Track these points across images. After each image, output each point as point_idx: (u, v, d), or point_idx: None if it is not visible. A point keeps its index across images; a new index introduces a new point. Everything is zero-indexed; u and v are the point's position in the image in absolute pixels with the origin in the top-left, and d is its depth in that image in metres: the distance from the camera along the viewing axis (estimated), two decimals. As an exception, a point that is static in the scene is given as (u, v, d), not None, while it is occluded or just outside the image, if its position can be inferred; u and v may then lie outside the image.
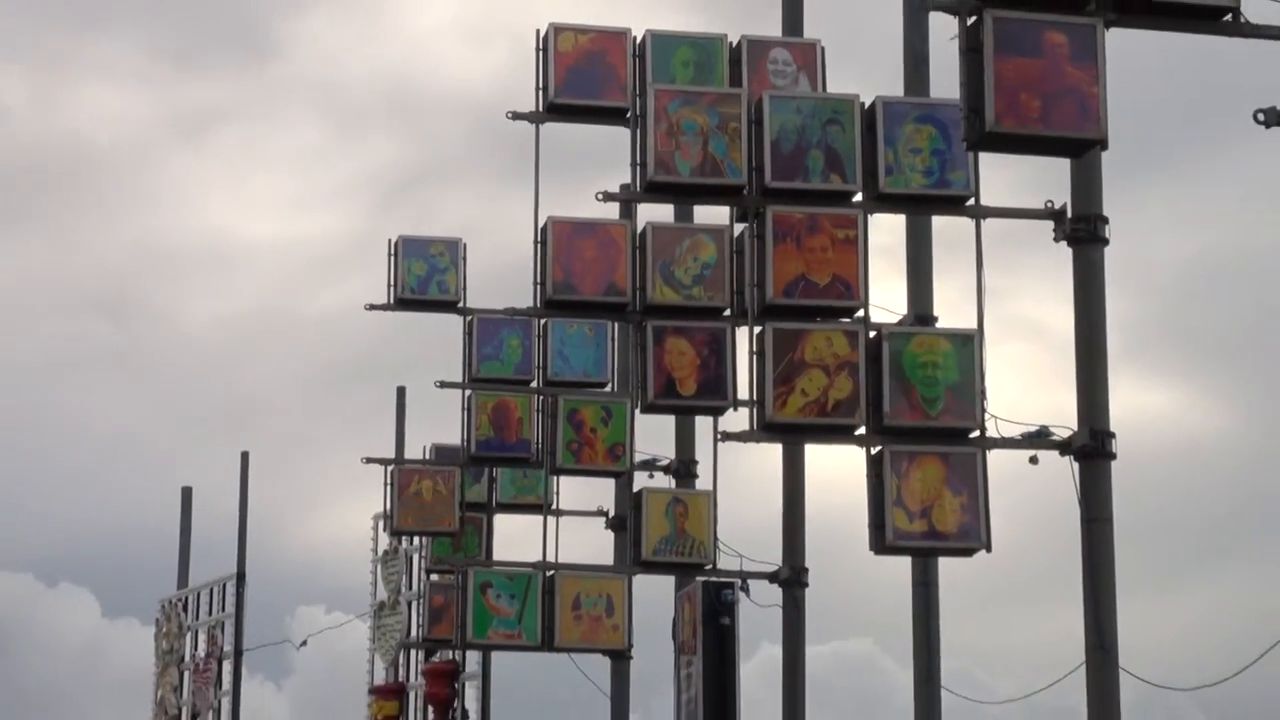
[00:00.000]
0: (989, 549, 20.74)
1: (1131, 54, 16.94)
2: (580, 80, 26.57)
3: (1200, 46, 16.79)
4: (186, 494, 51.52)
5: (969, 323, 21.34)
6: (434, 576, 37.21)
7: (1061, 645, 20.06)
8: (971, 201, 21.29)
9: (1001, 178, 21.07)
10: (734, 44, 25.88)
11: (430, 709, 39.56)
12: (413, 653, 40.50)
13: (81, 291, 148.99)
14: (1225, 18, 16.41)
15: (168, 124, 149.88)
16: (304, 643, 51.23)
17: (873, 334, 21.39)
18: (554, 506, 33.44)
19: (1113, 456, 19.61)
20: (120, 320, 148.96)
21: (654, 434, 30.27)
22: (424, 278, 31.70)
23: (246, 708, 48.07)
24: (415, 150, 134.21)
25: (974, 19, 16.50)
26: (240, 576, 47.69)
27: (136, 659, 54.16)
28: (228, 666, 47.82)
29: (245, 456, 48.09)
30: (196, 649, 49.57)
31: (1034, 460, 20.14)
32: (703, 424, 27.86)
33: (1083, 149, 18.08)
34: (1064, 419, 19.94)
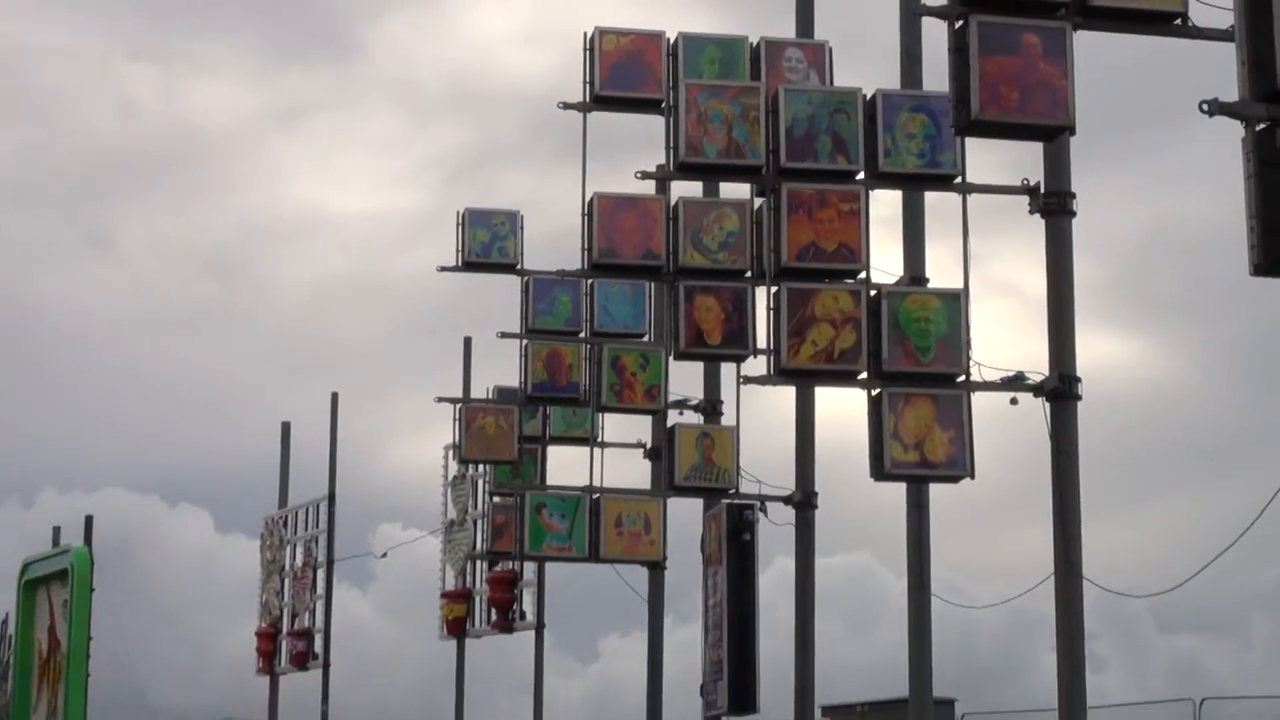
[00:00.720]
0: (972, 476, 20.78)
1: (1097, 52, 16.88)
2: (621, 76, 26.51)
3: (1155, 46, 16.77)
4: (285, 428, 51.74)
5: (956, 283, 21.33)
6: (496, 498, 37.17)
7: (1034, 560, 20.09)
8: (959, 179, 21.27)
9: (984, 159, 21.04)
10: (754, 45, 25.84)
11: (493, 611, 39.77)
12: (477, 563, 40.52)
13: (198, 257, 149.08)
14: (1175, 22, 16.42)
15: (269, 114, 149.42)
16: (385, 554, 51.37)
17: (873, 293, 21.39)
18: (599, 439, 33.66)
19: (1078, 398, 19.61)
20: (229, 282, 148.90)
21: (685, 378, 30.32)
22: (487, 244, 31.65)
23: (337, 609, 48.25)
24: (479, 136, 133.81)
25: (961, 23, 16.49)
26: (331, 498, 47.86)
27: (244, 568, 54.27)
28: (321, 574, 48.04)
29: (335, 396, 48.16)
30: (295, 559, 49.77)
31: (1013, 401, 20.17)
32: (727, 369, 27.88)
33: (1054, 134, 18.10)
34: (1037, 366, 19.95)
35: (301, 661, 48.28)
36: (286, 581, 49.89)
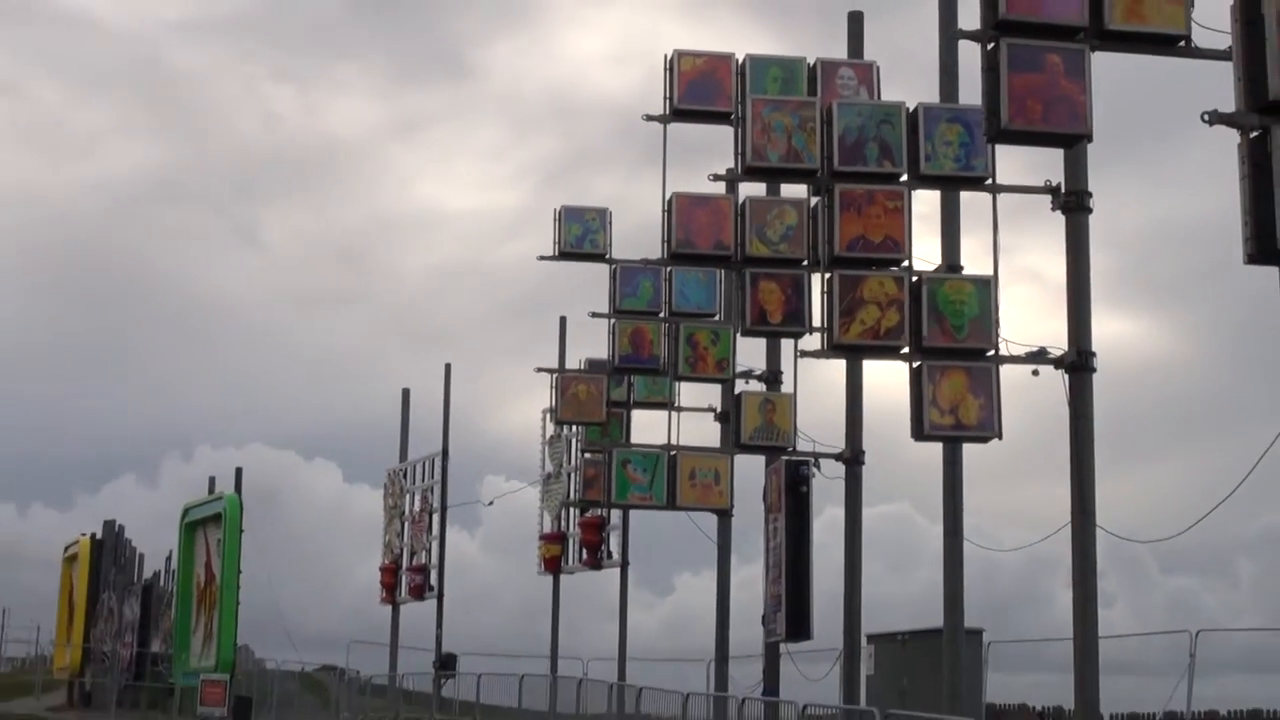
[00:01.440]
0: (1000, 437, 20.72)
1: (1112, 69, 16.75)
2: (697, 92, 26.52)
3: (1162, 64, 16.60)
4: (405, 394, 51.96)
5: (986, 270, 21.24)
6: (586, 455, 37.34)
7: (1052, 509, 19.98)
8: (989, 181, 21.16)
9: (1012, 163, 20.94)
10: (811, 65, 25.81)
11: (584, 551, 39.97)
12: (571, 510, 40.73)
13: (331, 247, 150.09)
14: (1179, 44, 16.26)
15: (393, 126, 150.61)
16: (491, 502, 51.65)
17: (914, 279, 21.30)
18: (676, 404, 33.63)
19: (1093, 370, 19.47)
20: (358, 268, 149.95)
21: (750, 351, 30.31)
22: (580, 237, 31.69)
23: (449, 549, 48.65)
24: (572, 144, 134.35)
25: (992, 45, 16.42)
26: (444, 454, 48.15)
27: (369, 513, 54.60)
28: (435, 519, 48.41)
29: (448, 367, 48.50)
30: (413, 506, 50.12)
31: (1035, 373, 20.05)
32: (786, 344, 27.89)
33: (1073, 142, 17.97)
34: (1057, 342, 19.82)
35: (419, 593, 48.81)
36: (405, 525, 50.29)
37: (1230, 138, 12.93)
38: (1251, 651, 23.38)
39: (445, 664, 46.94)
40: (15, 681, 74.63)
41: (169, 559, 55.43)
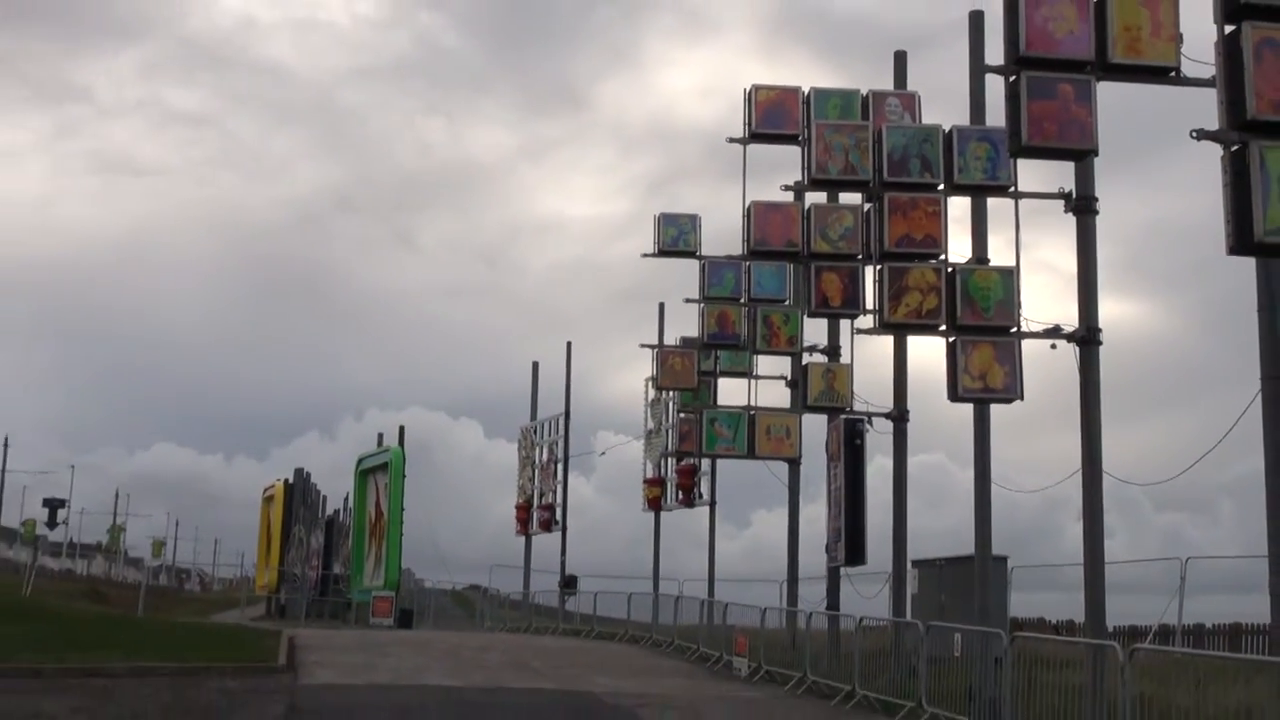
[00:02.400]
0: (1021, 399, 20.56)
1: (1114, 94, 16.55)
2: (770, 118, 26.63)
3: (1157, 90, 16.37)
4: (535, 366, 52.35)
5: (1009, 262, 21.05)
6: (681, 414, 37.35)
7: (1066, 458, 19.84)
8: (1012, 189, 20.96)
9: (1031, 174, 20.78)
10: (864, 95, 25.83)
11: (679, 492, 40.01)
12: (668, 459, 40.74)
13: (472, 249, 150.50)
14: (1171, 74, 16.00)
15: (523, 150, 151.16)
16: (604, 453, 52.02)
17: (950, 269, 21.17)
18: (754, 373, 33.74)
19: (1100, 344, 19.28)
20: (495, 265, 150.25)
21: (815, 330, 30.26)
22: (675, 237, 31.74)
23: (570, 491, 49.13)
24: (669, 162, 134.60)
25: (1014, 77, 16.22)
26: (567, 414, 48.41)
27: (506, 463, 55.10)
28: (559, 467, 48.63)
29: (569, 344, 48.76)
30: (541, 456, 50.38)
31: (1053, 346, 19.88)
32: (845, 324, 27.82)
33: (1082, 156, 17.78)
34: (1069, 321, 19.66)
35: (546, 526, 49.23)
36: (535, 471, 50.59)
37: (1214, 151, 12.83)
38: (1232, 575, 23.02)
39: (568, 584, 47.33)
40: (226, 597, 76.24)
41: (346, 499, 56.39)
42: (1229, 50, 12.75)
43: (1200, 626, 25.63)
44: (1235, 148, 12.54)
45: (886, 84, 26.74)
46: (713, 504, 39.30)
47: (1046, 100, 16.37)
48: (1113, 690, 14.73)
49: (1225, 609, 25.75)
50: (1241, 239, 12.53)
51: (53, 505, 52.93)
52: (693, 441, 35.17)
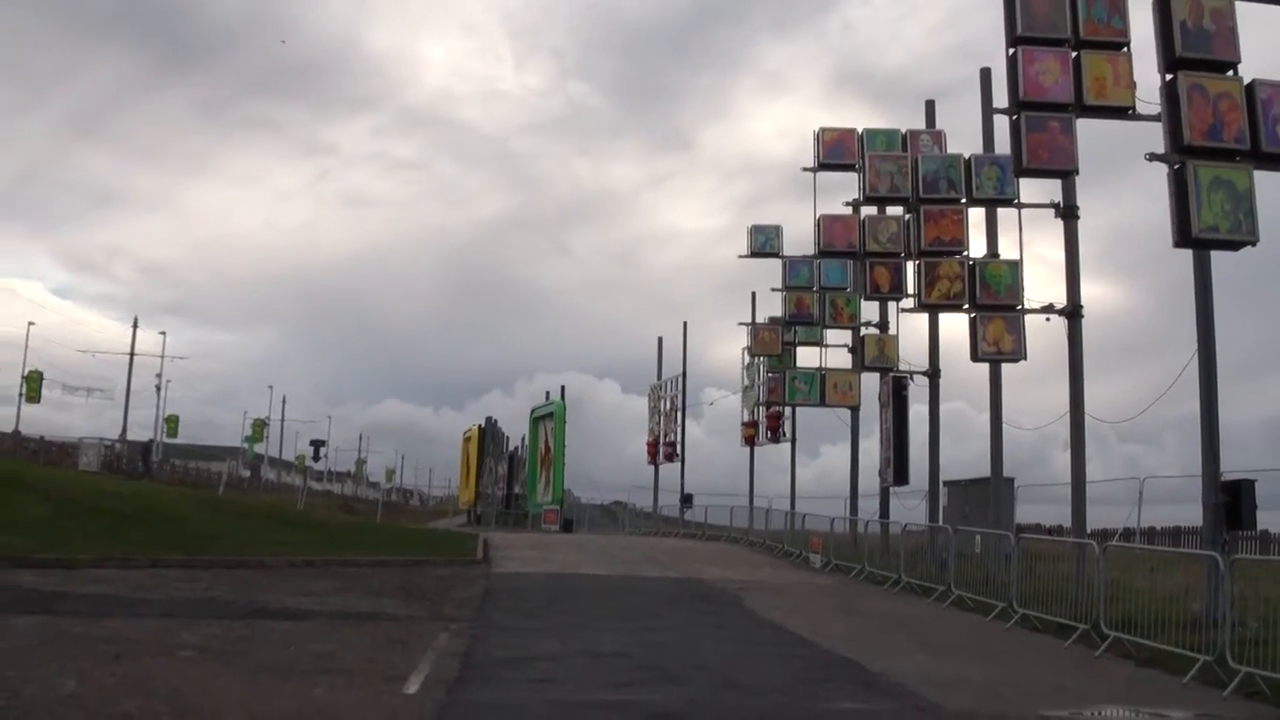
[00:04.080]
0: (1025, 359, 20.61)
1: (1091, 128, 16.46)
2: (834, 151, 26.68)
3: (1120, 124, 16.25)
4: (660, 340, 52.66)
5: (1014, 256, 21.08)
6: (770, 374, 37.33)
7: (1057, 402, 19.80)
8: (1016, 200, 20.95)
9: (1031, 189, 20.73)
10: (903, 133, 25.83)
11: (769, 431, 40.18)
12: (759, 408, 40.87)
13: (611, 254, 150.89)
14: (1128, 112, 15.91)
15: (646, 180, 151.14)
16: (712, 403, 52.95)
17: (970, 263, 21.21)
18: (824, 343, 33.72)
19: (1082, 317, 19.20)
20: (628, 266, 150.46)
21: (870, 310, 30.11)
22: (763, 243, 31.95)
23: (687, 431, 49.49)
24: (757, 187, 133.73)
25: (1015, 117, 16.24)
26: (684, 375, 48.72)
27: (639, 411, 55.67)
28: (679, 414, 48.94)
29: (685, 324, 49.29)
30: (665, 405, 50.71)
31: (1048, 319, 19.83)
32: (892, 305, 27.68)
33: (1067, 175, 17.73)
34: (1059, 300, 19.59)
35: (670, 458, 49.69)
36: (661, 418, 50.97)
37: (1162, 169, 12.81)
38: (1174, 490, 22.77)
39: (686, 500, 47.72)
40: (437, 510, 78.10)
41: (523, 439, 57.22)
42: (1169, 93, 12.75)
43: (1152, 529, 25.33)
44: (1176, 166, 12.53)
45: (920, 124, 26.75)
46: (793, 441, 39.51)
47: (1039, 133, 16.35)
48: (1090, 575, 14.77)
49: (1170, 515, 25.46)
50: (1183, 235, 12.55)
51: (316, 445, 54.56)
52: (778, 394, 35.20)
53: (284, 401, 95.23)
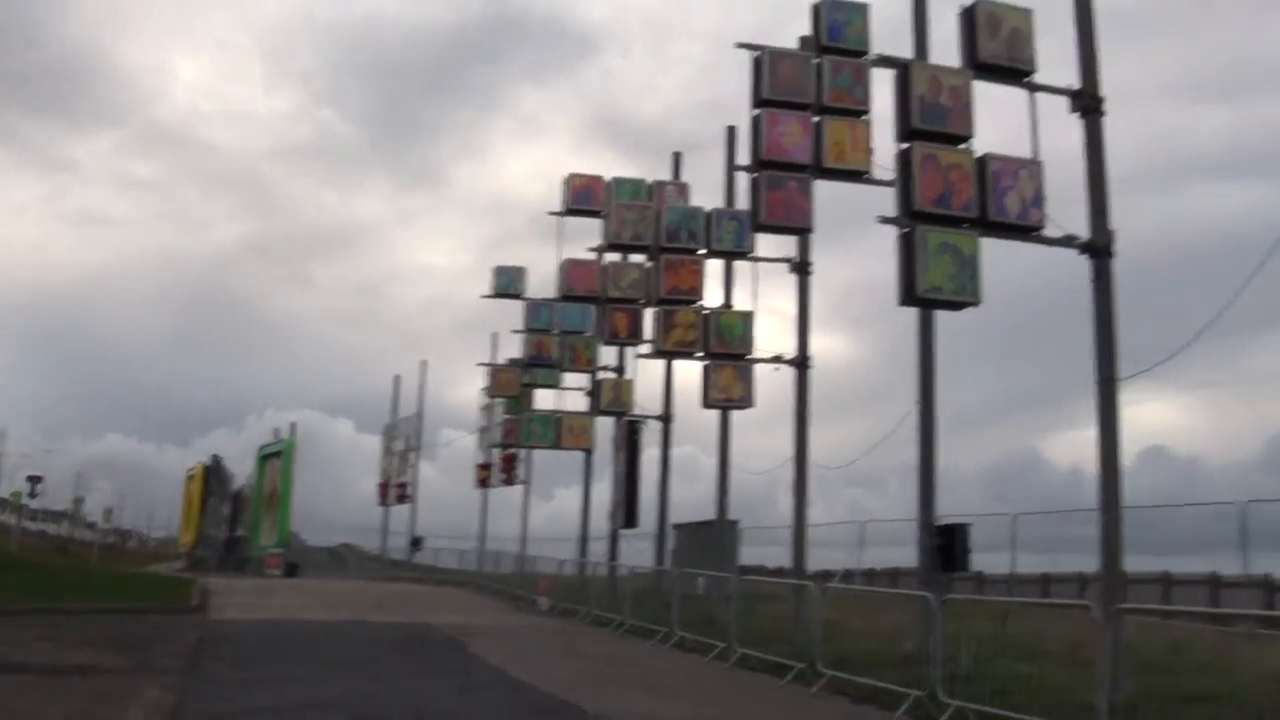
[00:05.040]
0: (753, 406, 21.07)
1: (829, 189, 16.79)
2: (581, 197, 26.85)
3: (852, 188, 16.66)
4: (396, 378, 50.59)
5: (748, 307, 21.31)
6: (507, 416, 36.02)
7: (787, 447, 20.12)
8: (752, 254, 21.21)
9: (767, 245, 21.03)
10: (650, 183, 26.13)
11: (503, 474, 39.32)
12: (495, 449, 39.74)
13: (354, 288, 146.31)
14: (864, 176, 16.27)
15: (395, 213, 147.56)
16: (449, 443, 50.94)
17: (705, 312, 21.33)
18: (561, 386, 33.14)
19: (810, 368, 19.46)
20: (371, 300, 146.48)
21: (608, 354, 30.02)
22: (507, 283, 31.92)
23: (421, 472, 48.02)
24: (504, 228, 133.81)
25: (756, 174, 16.40)
26: (420, 414, 47.16)
27: (371, 451, 53.72)
28: (413, 454, 47.47)
29: (424, 363, 47.43)
30: (399, 446, 48.82)
31: (776, 369, 19.74)
32: (630, 350, 27.59)
33: (802, 233, 18.05)
34: (790, 351, 19.73)
35: (400, 499, 48.14)
36: (395, 458, 49.44)
37: (892, 231, 13.10)
38: (895, 533, 23.84)
39: (415, 543, 46.51)
40: (158, 553, 73.22)
41: (249, 478, 54.50)
42: (903, 161, 13.10)
43: (873, 570, 26.37)
44: (906, 230, 12.84)
45: (666, 175, 27.10)
46: (526, 483, 38.87)
47: (778, 191, 16.63)
48: (810, 615, 15.00)
49: (891, 557, 26.60)
50: (908, 294, 12.81)
51: (34, 480, 50.33)
52: (514, 436, 34.55)
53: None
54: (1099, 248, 12.88)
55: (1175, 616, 17.33)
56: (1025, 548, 24.38)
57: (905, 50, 15.06)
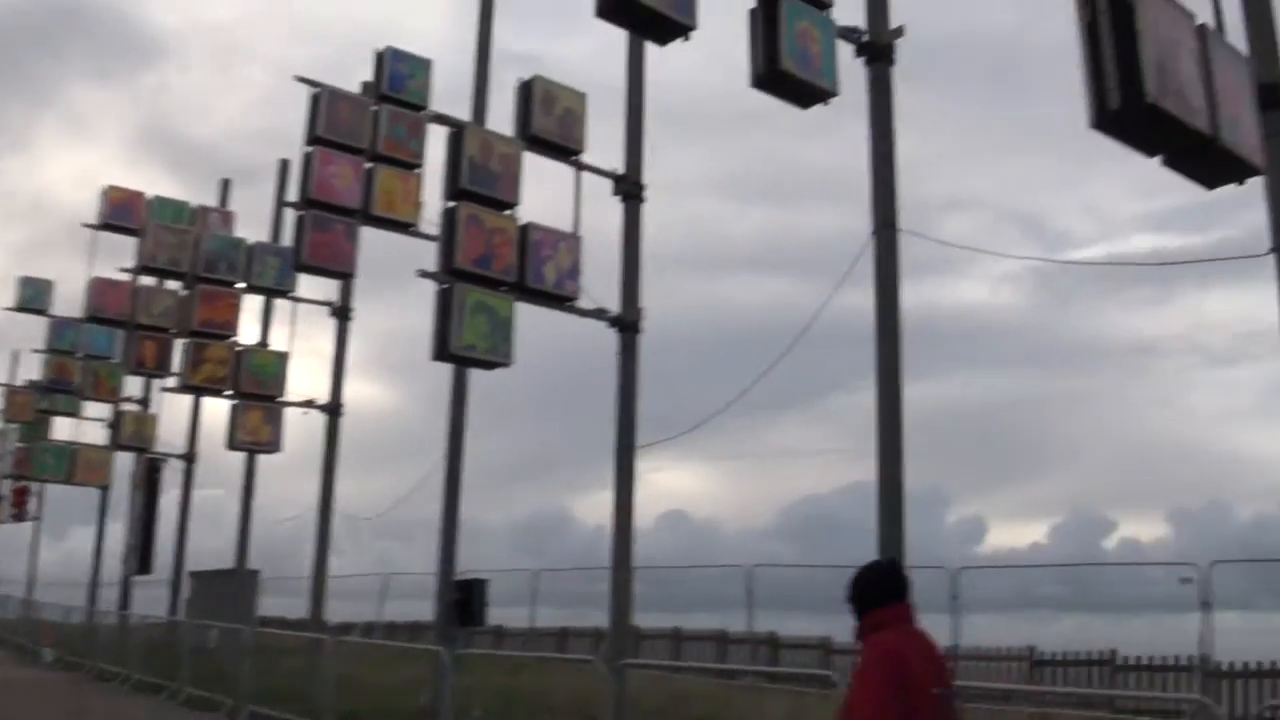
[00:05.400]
0: (282, 451, 20.26)
1: (379, 237, 16.58)
2: (119, 212, 25.18)
3: (405, 239, 16.59)
4: None
5: (286, 348, 20.77)
6: (20, 445, 32.74)
7: (310, 495, 19.57)
8: (293, 293, 20.64)
9: (311, 286, 20.59)
10: (194, 207, 24.84)
11: (14, 508, 35.60)
12: (6, 481, 35.99)
13: None
14: (411, 228, 16.25)
15: None
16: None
17: (239, 349, 20.42)
18: (82, 415, 30.39)
19: (342, 414, 19.24)
20: None
21: (133, 384, 28.03)
22: (32, 295, 28.54)
23: None
24: (37, 234, 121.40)
25: (303, 214, 15.95)
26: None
27: None
28: None
29: None
30: None
31: (305, 412, 19.56)
32: (156, 383, 26.00)
33: (345, 277, 17.73)
34: (323, 395, 19.47)
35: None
36: None
37: (433, 285, 13.04)
38: (420, 586, 23.30)
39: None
40: None
41: None
42: (448, 219, 13.19)
43: (393, 623, 26.01)
44: (445, 286, 12.89)
45: (213, 202, 25.83)
46: (38, 519, 35.48)
47: (323, 233, 16.31)
48: (326, 670, 14.63)
49: (415, 610, 26.33)
50: (441, 350, 12.75)
51: None
52: (26, 467, 31.05)
53: None
54: (627, 323, 13.58)
55: (683, 671, 18.37)
56: (548, 602, 25.11)
57: (464, 113, 15.43)
